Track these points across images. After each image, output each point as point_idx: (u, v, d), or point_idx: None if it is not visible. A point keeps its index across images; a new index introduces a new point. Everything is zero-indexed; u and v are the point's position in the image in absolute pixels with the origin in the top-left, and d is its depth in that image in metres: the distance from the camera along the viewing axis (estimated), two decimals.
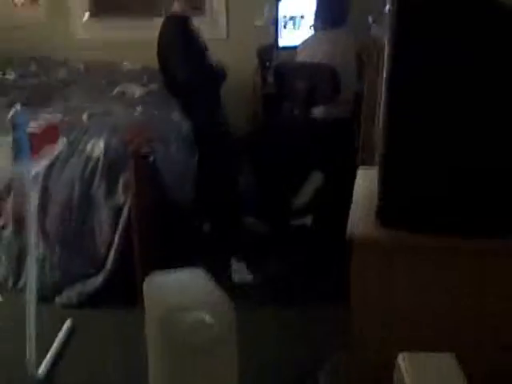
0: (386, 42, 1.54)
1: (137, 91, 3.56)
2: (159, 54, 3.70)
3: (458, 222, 1.54)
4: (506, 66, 1.45)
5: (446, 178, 1.53)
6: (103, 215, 2.76)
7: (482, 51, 1.45)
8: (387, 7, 1.52)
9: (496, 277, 1.57)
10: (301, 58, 3.70)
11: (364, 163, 3.14)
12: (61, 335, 2.57)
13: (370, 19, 3.11)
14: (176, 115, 3.32)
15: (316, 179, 3.72)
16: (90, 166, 2.79)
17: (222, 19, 4.49)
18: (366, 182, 1.87)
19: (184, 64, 3.55)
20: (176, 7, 3.67)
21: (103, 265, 2.78)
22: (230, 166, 3.68)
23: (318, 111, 3.66)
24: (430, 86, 1.49)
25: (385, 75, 1.53)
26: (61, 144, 2.71)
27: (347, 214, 1.72)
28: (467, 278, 1.58)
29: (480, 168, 1.52)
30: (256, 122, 4.23)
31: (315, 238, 3.45)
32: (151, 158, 2.82)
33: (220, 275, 2.63)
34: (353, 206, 1.77)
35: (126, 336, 2.55)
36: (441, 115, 1.50)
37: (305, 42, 3.74)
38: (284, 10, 4.19)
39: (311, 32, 3.93)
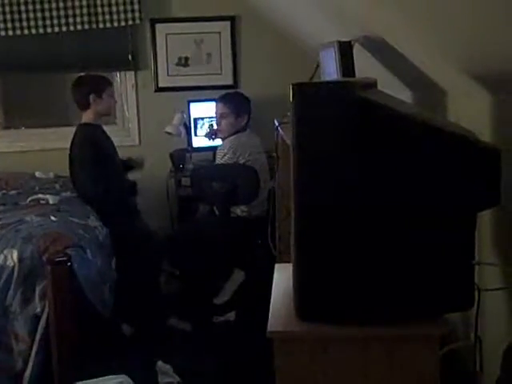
0: (290, 142, 1.64)
1: (50, 199, 3.52)
2: (70, 164, 3.70)
3: (369, 313, 1.61)
4: (398, 168, 1.56)
5: (354, 273, 1.59)
6: (20, 325, 2.64)
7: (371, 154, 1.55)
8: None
9: (404, 362, 1.62)
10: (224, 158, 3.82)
11: (282, 257, 3.22)
12: None
13: (276, 122, 3.27)
14: (91, 221, 3.29)
15: (238, 277, 3.76)
16: (4, 276, 2.70)
17: (134, 127, 4.58)
18: (283, 277, 1.92)
19: (93, 179, 3.54)
20: (85, 117, 3.71)
21: (21, 378, 2.63)
22: (151, 269, 3.64)
23: (239, 210, 3.76)
24: (336, 185, 1.56)
25: (292, 173, 1.61)
26: None
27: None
28: (384, 366, 1.63)
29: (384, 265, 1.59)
30: (173, 223, 4.26)
31: (240, 334, 3.43)
32: (68, 264, 2.76)
33: (146, 380, 2.56)
34: (272, 302, 1.81)
35: None
36: (345, 215, 1.57)
37: (224, 144, 3.87)
38: (196, 113, 4.35)
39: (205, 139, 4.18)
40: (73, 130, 3.85)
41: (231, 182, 3.69)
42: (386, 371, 1.63)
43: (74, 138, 3.70)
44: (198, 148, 4.39)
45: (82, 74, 3.98)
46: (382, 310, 1.61)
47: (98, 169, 3.54)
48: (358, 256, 1.58)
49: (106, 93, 3.68)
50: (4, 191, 3.89)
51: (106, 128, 3.82)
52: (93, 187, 3.53)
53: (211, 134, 4.20)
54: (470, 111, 2.11)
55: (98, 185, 3.53)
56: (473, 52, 1.80)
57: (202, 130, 4.36)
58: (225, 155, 3.81)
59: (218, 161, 3.85)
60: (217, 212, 3.79)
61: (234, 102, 3.95)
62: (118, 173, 3.74)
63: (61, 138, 4.32)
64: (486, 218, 1.91)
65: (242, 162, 3.80)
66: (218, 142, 4.20)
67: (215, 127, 4.18)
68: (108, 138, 3.78)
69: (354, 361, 1.64)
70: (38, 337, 2.65)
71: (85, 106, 3.67)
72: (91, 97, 3.63)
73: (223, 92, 4.16)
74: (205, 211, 3.87)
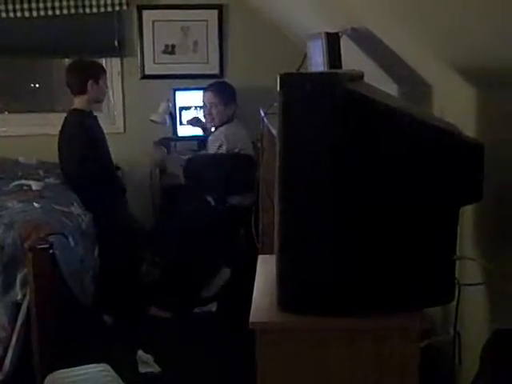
0: (276, 132, 1.63)
1: (33, 185, 3.49)
2: (59, 150, 3.69)
3: (352, 304, 1.61)
4: (382, 161, 1.56)
5: (336, 265, 1.59)
6: (0, 313, 2.62)
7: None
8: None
9: (387, 353, 1.63)
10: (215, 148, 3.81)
11: (265, 248, 3.22)
12: None
13: (262, 112, 3.26)
14: (75, 208, 3.27)
15: (224, 275, 3.77)
16: None
17: (119, 114, 4.55)
18: (266, 268, 1.93)
19: (82, 159, 3.55)
20: (77, 103, 3.70)
21: (1, 366, 2.62)
22: (133, 258, 3.64)
23: (234, 200, 3.76)
24: (320, 176, 1.56)
25: (276, 164, 1.61)
26: None
27: (251, 300, 1.75)
28: (365, 357, 1.64)
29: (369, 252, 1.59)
30: (156, 212, 4.25)
31: (221, 324, 3.44)
32: (50, 252, 2.75)
33: (126, 368, 2.55)
34: (255, 293, 1.81)
35: None
36: (329, 207, 1.57)
37: (217, 134, 3.85)
38: (182, 101, 4.33)
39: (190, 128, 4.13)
40: (58, 115, 3.84)
41: (228, 170, 3.68)
42: (370, 362, 1.64)
43: (64, 123, 3.71)
44: (182, 137, 4.37)
45: (77, 58, 3.95)
46: (363, 302, 1.62)
47: (87, 150, 3.56)
48: (340, 248, 1.58)
49: (102, 79, 3.72)
50: None
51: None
52: (81, 167, 3.54)
53: (195, 122, 4.19)
54: (454, 106, 2.12)
55: (86, 164, 3.53)
56: (458, 46, 1.80)
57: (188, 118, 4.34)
58: (221, 145, 3.78)
59: (214, 151, 3.81)
60: (212, 202, 3.76)
61: (223, 91, 3.93)
62: (108, 157, 3.74)
63: (45, 124, 4.30)
64: (467, 213, 1.92)
65: (236, 151, 3.80)
66: (199, 131, 4.20)
67: (197, 116, 4.17)
68: (99, 126, 3.79)
69: (338, 352, 1.64)
70: (18, 324, 2.63)
71: (80, 91, 3.67)
72: (89, 83, 3.64)
73: (210, 81, 4.14)
74: (190, 200, 3.83)
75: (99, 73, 3.72)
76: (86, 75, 3.65)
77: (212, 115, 3.91)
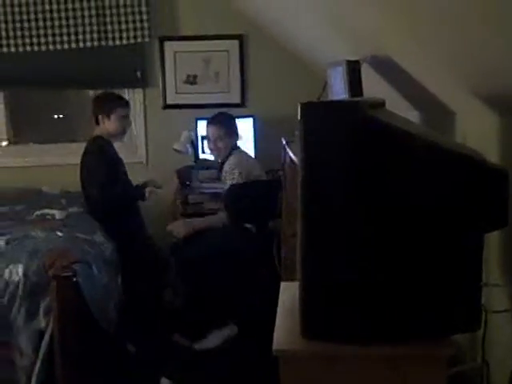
0: (298, 162, 1.64)
1: (57, 215, 3.53)
2: (81, 173, 3.73)
3: (376, 331, 1.60)
4: (406, 189, 1.56)
5: (360, 292, 1.58)
6: (23, 340, 2.64)
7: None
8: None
9: (411, 382, 1.61)
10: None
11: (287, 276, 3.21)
12: None
13: (284, 140, 3.27)
14: (98, 236, 3.29)
15: (231, 330, 3.64)
16: (9, 291, 2.70)
17: (141, 144, 4.60)
18: (289, 295, 1.92)
19: (100, 184, 3.59)
20: (97, 131, 3.76)
21: None
22: (157, 285, 3.64)
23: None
24: (343, 204, 1.56)
25: (299, 192, 1.61)
26: None
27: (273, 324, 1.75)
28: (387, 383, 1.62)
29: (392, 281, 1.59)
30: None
31: (243, 350, 3.41)
32: (73, 280, 2.76)
33: None
34: (277, 320, 1.80)
35: None
36: (352, 235, 1.57)
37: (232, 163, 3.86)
38: (203, 131, 4.35)
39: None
40: (80, 145, 3.88)
41: (264, 197, 3.67)
42: None
43: (85, 148, 3.76)
44: (201, 164, 4.37)
45: (102, 91, 4.04)
46: (388, 329, 1.60)
47: (106, 175, 3.59)
48: (365, 275, 1.58)
49: (115, 114, 3.72)
50: (10, 206, 3.90)
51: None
52: (100, 192, 3.57)
53: None
54: (477, 132, 2.12)
55: (105, 189, 3.57)
56: (481, 73, 1.81)
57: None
58: (241, 173, 3.77)
59: (233, 180, 3.79)
60: (253, 229, 3.75)
61: (226, 122, 3.93)
62: (126, 181, 3.77)
63: (68, 154, 4.37)
64: (493, 239, 1.90)
65: (252, 178, 3.80)
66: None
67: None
68: (117, 155, 3.83)
69: (361, 380, 1.63)
70: (41, 352, 2.64)
71: (96, 122, 3.76)
72: (100, 117, 3.70)
73: (232, 110, 4.17)
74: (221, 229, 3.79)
75: (112, 107, 3.72)
76: (98, 109, 3.74)
77: (219, 148, 3.90)
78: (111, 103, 3.76)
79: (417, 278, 1.59)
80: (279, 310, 1.88)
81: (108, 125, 3.73)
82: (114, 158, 3.75)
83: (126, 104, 3.85)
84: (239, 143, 4.06)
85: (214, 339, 3.52)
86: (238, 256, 3.60)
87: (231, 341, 3.51)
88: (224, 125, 3.90)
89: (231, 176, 3.83)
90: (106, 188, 3.58)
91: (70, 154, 4.23)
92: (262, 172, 3.95)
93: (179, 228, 3.73)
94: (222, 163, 3.94)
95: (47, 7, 4.19)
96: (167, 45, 4.49)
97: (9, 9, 4.17)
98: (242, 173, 3.79)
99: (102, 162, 3.64)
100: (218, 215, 3.77)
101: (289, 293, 1.95)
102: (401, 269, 1.58)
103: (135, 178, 3.96)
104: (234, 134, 3.95)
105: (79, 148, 3.84)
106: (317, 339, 1.64)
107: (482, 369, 1.71)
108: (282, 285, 2.11)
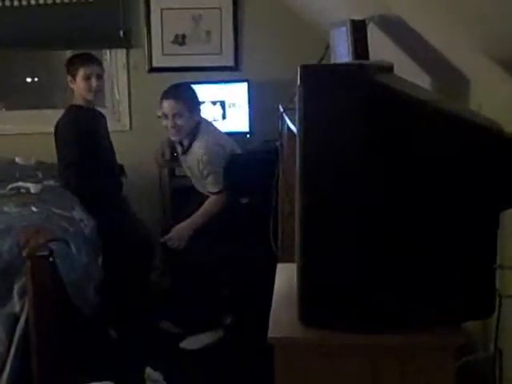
0: (296, 128, 1.63)
1: (32, 188, 3.52)
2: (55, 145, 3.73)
3: (380, 319, 1.61)
4: (415, 161, 1.56)
5: (364, 276, 1.59)
6: None
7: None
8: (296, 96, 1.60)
9: (417, 373, 1.62)
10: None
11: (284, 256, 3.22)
12: None
13: (281, 108, 3.26)
14: (77, 212, 3.29)
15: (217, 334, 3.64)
16: None
17: (125, 110, 4.58)
18: (286, 278, 1.94)
19: (66, 163, 3.60)
20: (73, 99, 3.73)
21: None
22: (141, 267, 3.64)
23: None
24: (346, 177, 1.56)
25: (297, 163, 1.60)
26: None
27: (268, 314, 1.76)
28: (390, 375, 1.63)
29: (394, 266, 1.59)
30: (166, 216, 4.26)
31: (236, 339, 3.43)
32: (50, 260, 2.76)
33: None
34: (273, 306, 1.81)
35: None
36: (356, 212, 1.57)
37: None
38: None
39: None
40: (57, 112, 3.86)
41: (242, 171, 3.65)
42: (396, 383, 1.63)
43: (59, 119, 3.74)
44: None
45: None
46: (393, 317, 1.61)
47: (74, 152, 3.56)
48: (368, 257, 1.58)
49: (79, 75, 3.67)
50: None
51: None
52: (65, 171, 3.59)
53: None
54: (494, 100, 2.11)
55: (70, 169, 3.57)
56: (499, 34, 1.79)
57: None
58: (209, 161, 3.63)
59: (210, 171, 3.66)
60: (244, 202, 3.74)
61: (184, 95, 3.71)
62: (104, 159, 3.75)
63: (45, 122, 4.32)
64: (509, 217, 1.90)
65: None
66: None
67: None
68: (99, 122, 3.81)
69: (363, 371, 1.64)
70: (16, 338, 2.64)
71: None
72: (68, 78, 3.70)
73: (224, 74, 4.15)
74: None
75: (75, 68, 3.67)
76: (67, 73, 3.71)
77: (178, 126, 3.64)
78: (75, 64, 3.72)
79: (425, 260, 1.59)
80: (275, 295, 1.89)
81: (76, 88, 3.70)
82: (89, 131, 3.68)
83: (91, 61, 3.73)
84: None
85: (197, 342, 3.49)
86: (231, 232, 3.60)
87: (215, 345, 3.50)
88: (182, 98, 3.65)
89: (205, 166, 3.65)
90: (75, 168, 3.55)
91: (46, 122, 4.20)
92: (234, 144, 3.86)
93: (176, 242, 3.66)
94: (187, 144, 3.74)
95: None
96: (153, 1, 4.44)
97: None
98: (211, 158, 3.63)
99: (73, 136, 3.59)
100: (203, 207, 3.71)
101: (286, 276, 1.96)
102: (408, 249, 1.58)
103: (119, 147, 3.94)
104: (195, 108, 3.70)
105: (56, 115, 3.82)
106: (316, 326, 1.65)
107: (494, 358, 1.72)
108: (279, 266, 2.12)
